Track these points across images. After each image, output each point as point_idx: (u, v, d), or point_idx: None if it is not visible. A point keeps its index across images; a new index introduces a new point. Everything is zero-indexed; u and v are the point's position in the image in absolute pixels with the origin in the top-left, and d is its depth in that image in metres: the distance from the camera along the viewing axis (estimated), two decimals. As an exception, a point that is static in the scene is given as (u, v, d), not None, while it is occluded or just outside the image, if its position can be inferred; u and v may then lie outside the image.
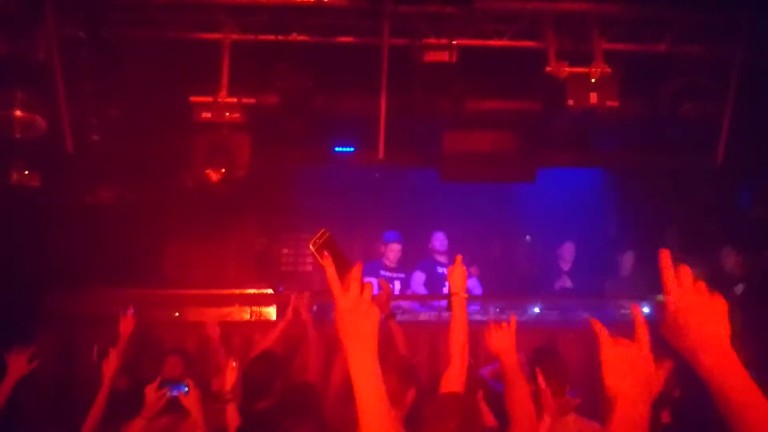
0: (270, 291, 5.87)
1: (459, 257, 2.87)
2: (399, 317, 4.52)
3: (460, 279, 2.84)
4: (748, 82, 4.98)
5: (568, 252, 6.74)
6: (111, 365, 3.65)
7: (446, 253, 6.60)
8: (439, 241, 6.63)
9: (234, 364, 3.50)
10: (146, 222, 6.50)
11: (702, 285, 1.23)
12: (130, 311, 4.51)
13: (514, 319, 2.87)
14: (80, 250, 5.89)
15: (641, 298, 5.84)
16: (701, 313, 1.20)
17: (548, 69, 4.72)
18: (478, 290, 6.45)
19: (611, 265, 6.70)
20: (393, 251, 6.55)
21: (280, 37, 4.92)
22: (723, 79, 4.99)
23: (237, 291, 5.90)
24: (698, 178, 6.16)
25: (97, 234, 5.99)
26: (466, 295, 2.89)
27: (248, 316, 5.82)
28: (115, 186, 6.06)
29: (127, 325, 4.43)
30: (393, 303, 5.68)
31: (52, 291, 5.57)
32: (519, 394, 2.71)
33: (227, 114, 4.76)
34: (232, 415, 3.35)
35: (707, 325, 1.19)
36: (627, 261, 6.61)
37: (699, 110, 5.01)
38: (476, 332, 3.04)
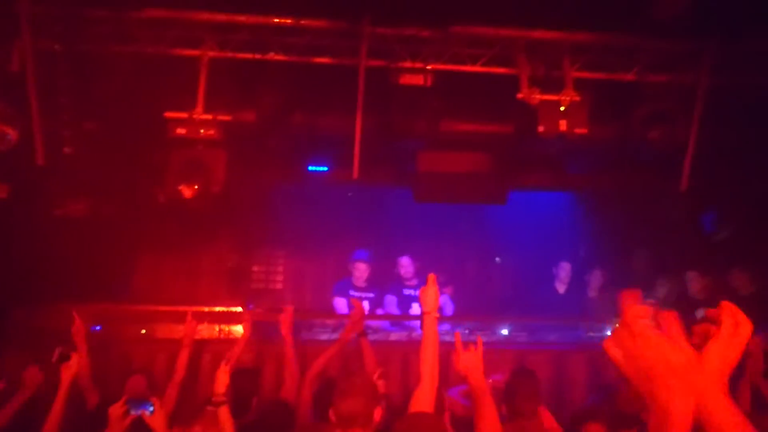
0: (239, 309, 5.82)
1: (432, 276, 2.91)
2: (370, 337, 4.55)
3: (432, 298, 2.87)
4: (712, 109, 5.17)
5: (564, 272, 6.71)
6: (70, 369, 3.57)
7: (412, 277, 6.62)
8: (404, 267, 6.62)
9: (226, 366, 3.49)
10: (116, 236, 6.43)
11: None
12: (75, 316, 4.43)
13: (480, 341, 2.91)
14: (48, 264, 5.78)
15: (606, 320, 5.97)
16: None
17: (520, 95, 4.84)
18: (449, 307, 6.48)
19: (581, 285, 6.79)
20: (358, 270, 6.52)
21: (258, 56, 4.96)
22: (689, 105, 5.16)
23: (206, 308, 5.83)
24: (666, 201, 6.32)
25: (65, 248, 5.89)
26: (437, 315, 2.92)
27: (216, 334, 5.77)
28: (86, 199, 5.98)
29: (78, 330, 4.35)
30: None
31: (19, 306, 5.46)
32: (487, 415, 2.74)
33: (202, 131, 4.77)
34: (224, 417, 3.32)
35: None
36: (595, 280, 6.68)
37: (666, 136, 5.17)
38: (446, 352, 3.07)
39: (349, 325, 4.45)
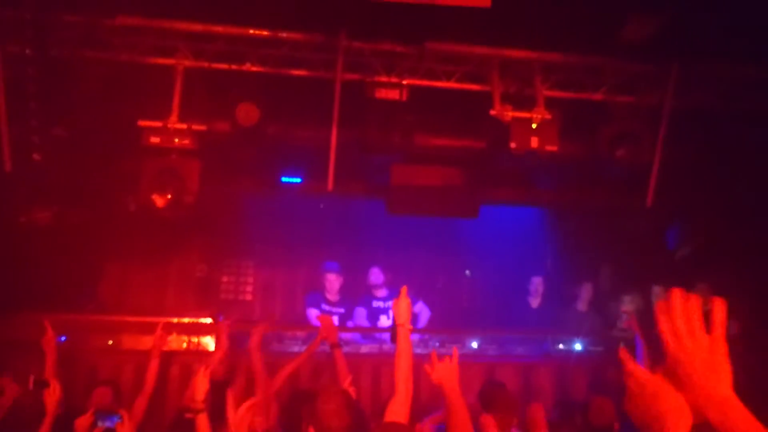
0: (209, 320, 5.77)
1: (404, 289, 2.95)
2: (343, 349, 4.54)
3: (405, 311, 2.91)
4: (676, 129, 5.35)
5: (534, 286, 6.73)
6: (54, 395, 3.53)
7: (382, 286, 6.64)
8: (374, 276, 6.66)
9: (206, 372, 3.46)
10: (83, 245, 6.32)
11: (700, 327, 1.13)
12: (48, 327, 4.36)
13: (456, 351, 2.96)
14: (11, 272, 5.65)
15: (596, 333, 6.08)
16: (702, 362, 1.10)
17: (493, 112, 4.94)
18: (426, 313, 6.51)
19: (554, 299, 6.88)
20: (328, 281, 6.51)
21: (234, 66, 4.96)
22: (654, 125, 5.34)
23: (175, 319, 5.76)
24: (632, 217, 6.48)
25: (29, 256, 5.76)
26: (411, 327, 2.97)
27: (185, 345, 5.70)
28: (52, 207, 5.87)
29: (49, 340, 4.28)
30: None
31: (-21, 315, 5.31)
32: (461, 422, 2.78)
33: (177, 140, 4.74)
34: (203, 426, 3.29)
35: (709, 377, 1.09)
36: (585, 293, 6.67)
37: (632, 154, 5.32)
38: (417, 364, 3.08)
39: (317, 338, 4.47)
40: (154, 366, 4.52)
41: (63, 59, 4.70)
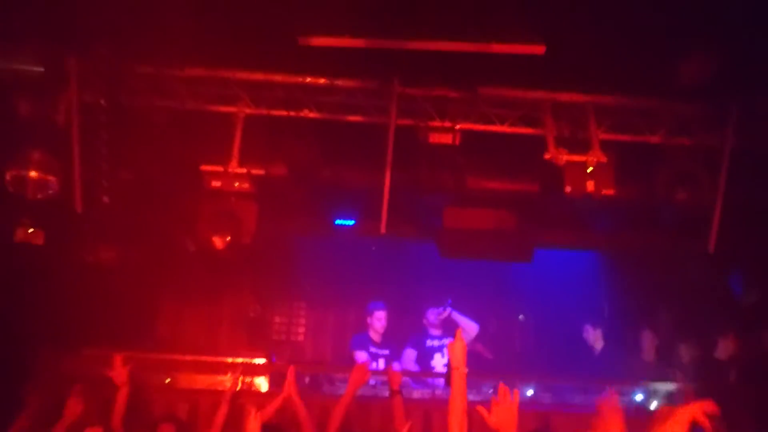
0: (263, 360, 5.82)
1: (459, 331, 2.90)
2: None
3: (460, 353, 2.84)
4: (737, 170, 5.20)
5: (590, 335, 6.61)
6: None
7: (439, 325, 6.60)
8: (432, 313, 6.64)
9: (257, 414, 3.47)
10: (142, 284, 6.52)
11: None
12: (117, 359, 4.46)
13: (517, 393, 2.84)
14: (76, 310, 5.87)
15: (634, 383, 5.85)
16: None
17: (547, 155, 4.93)
18: (473, 328, 6.46)
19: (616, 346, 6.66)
20: (377, 319, 6.49)
21: (292, 113, 5.14)
22: (714, 167, 5.20)
23: (230, 359, 5.83)
24: (692, 262, 6.27)
25: (93, 294, 5.99)
26: (466, 370, 2.88)
27: (239, 386, 5.74)
28: (116, 247, 6.12)
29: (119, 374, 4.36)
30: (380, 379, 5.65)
31: (45, 350, 5.52)
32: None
33: (236, 184, 4.91)
34: None
35: None
36: (647, 341, 6.45)
37: (692, 197, 5.18)
38: (470, 410, 3.00)
39: (350, 383, 4.40)
40: (224, 409, 4.51)
41: (133, 107, 4.97)
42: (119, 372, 4.42)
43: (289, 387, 4.38)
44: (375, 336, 6.51)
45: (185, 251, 5.91)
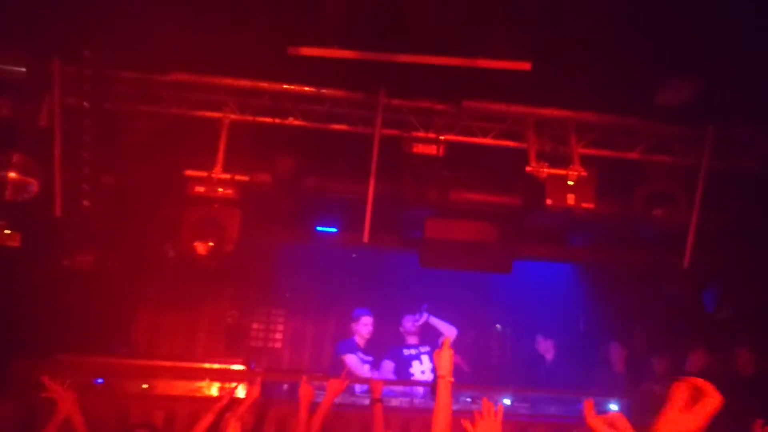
0: (241, 366, 5.78)
1: (447, 340, 2.91)
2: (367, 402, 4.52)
3: (446, 362, 2.85)
4: (713, 190, 5.34)
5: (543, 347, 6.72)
6: None
7: (415, 333, 6.64)
8: (409, 320, 6.68)
9: (237, 423, 3.44)
10: (120, 289, 6.45)
11: None
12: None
13: (501, 408, 2.86)
14: (50, 315, 5.78)
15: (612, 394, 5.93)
16: None
17: (529, 169, 5.01)
18: (452, 331, 6.54)
19: (588, 358, 6.77)
20: (363, 325, 6.49)
21: (277, 120, 5.14)
22: (691, 185, 5.34)
23: (208, 365, 5.78)
24: (667, 278, 6.41)
25: (69, 299, 5.90)
26: (452, 379, 2.89)
27: (217, 393, 5.69)
28: (94, 251, 6.03)
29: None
30: (362, 387, 5.67)
31: (18, 357, 5.40)
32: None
33: (220, 190, 4.89)
34: None
35: None
36: (616, 353, 6.56)
37: (669, 214, 5.31)
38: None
39: (328, 392, 4.38)
40: (208, 420, 4.43)
41: (117, 112, 4.93)
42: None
43: (303, 405, 4.25)
44: (361, 342, 6.53)
45: (165, 257, 5.86)
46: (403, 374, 6.51)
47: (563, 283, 7.79)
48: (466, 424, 2.80)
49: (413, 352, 6.54)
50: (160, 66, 4.94)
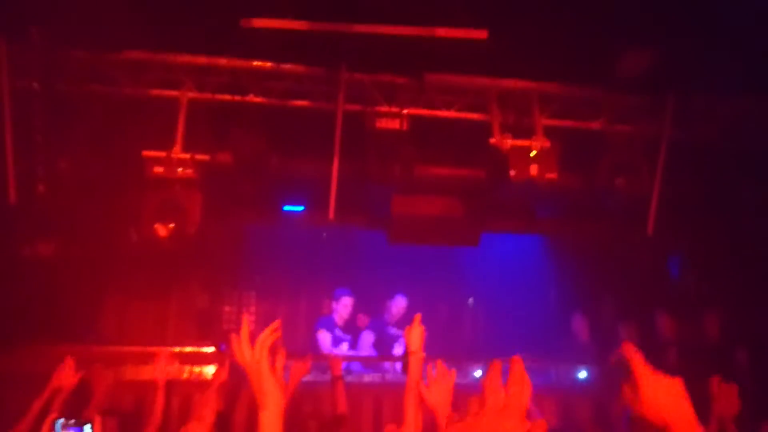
0: (212, 349, 5.75)
1: (418, 316, 2.92)
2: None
3: (418, 338, 2.87)
4: (674, 159, 5.40)
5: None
6: None
7: (396, 324, 6.68)
8: (399, 302, 6.70)
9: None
10: (85, 276, 6.32)
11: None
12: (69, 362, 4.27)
13: (454, 373, 2.86)
14: (12, 304, 5.64)
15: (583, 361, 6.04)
16: (668, 394, 1.34)
17: (492, 141, 5.00)
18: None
19: (554, 329, 6.86)
20: (343, 305, 6.55)
21: (237, 98, 5.04)
22: (653, 155, 5.39)
23: (177, 349, 5.73)
24: (632, 246, 6.49)
25: (32, 288, 5.77)
26: (423, 354, 2.89)
27: (186, 375, 5.66)
28: (55, 239, 5.89)
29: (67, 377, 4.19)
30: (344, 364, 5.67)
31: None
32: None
33: (180, 170, 4.79)
34: None
35: (676, 405, 1.33)
36: (579, 324, 6.65)
37: (631, 184, 5.36)
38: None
39: (292, 376, 4.38)
40: (160, 397, 4.43)
41: (69, 93, 4.78)
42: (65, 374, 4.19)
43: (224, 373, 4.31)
44: (340, 321, 6.55)
45: (129, 242, 5.75)
46: (382, 351, 6.55)
47: (533, 256, 7.85)
48: (422, 387, 2.72)
49: (399, 332, 6.57)
50: (112, 44, 4.78)
